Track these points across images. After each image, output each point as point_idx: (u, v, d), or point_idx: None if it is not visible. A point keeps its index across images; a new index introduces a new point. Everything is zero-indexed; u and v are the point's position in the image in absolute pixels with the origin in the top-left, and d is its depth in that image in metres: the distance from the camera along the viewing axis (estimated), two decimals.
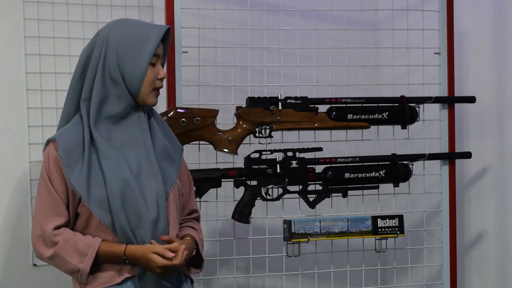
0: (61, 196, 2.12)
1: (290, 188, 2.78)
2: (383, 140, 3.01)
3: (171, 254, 2.08)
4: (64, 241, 2.09)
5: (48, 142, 2.16)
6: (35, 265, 2.94)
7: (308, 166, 2.78)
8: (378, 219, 2.84)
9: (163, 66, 2.22)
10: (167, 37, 2.21)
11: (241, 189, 2.74)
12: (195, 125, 2.65)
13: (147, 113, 2.22)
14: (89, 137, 2.13)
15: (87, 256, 2.09)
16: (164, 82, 2.73)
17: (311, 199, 2.82)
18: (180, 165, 2.27)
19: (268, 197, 2.76)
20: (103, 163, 2.10)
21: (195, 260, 2.28)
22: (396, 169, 2.87)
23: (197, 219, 2.37)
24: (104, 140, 2.12)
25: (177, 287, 2.18)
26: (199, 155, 2.78)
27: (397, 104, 2.90)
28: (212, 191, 2.75)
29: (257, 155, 2.75)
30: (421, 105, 2.94)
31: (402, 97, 2.91)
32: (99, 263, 2.12)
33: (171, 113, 2.64)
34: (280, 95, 2.77)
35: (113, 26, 2.20)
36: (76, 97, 2.20)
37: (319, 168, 2.84)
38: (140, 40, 2.14)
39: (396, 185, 2.90)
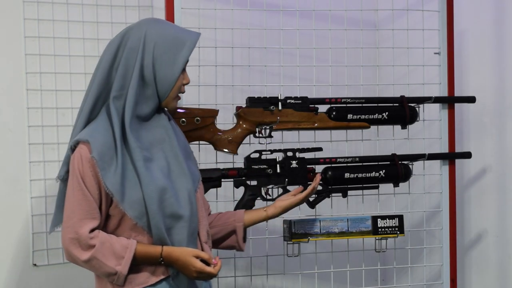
0: (95, 198, 2.08)
1: (290, 188, 2.78)
2: (383, 140, 3.01)
3: (214, 261, 2.11)
4: (101, 244, 2.06)
5: (77, 142, 2.11)
6: (35, 265, 2.94)
7: (308, 166, 2.78)
8: (378, 219, 2.84)
9: None
10: None
11: (241, 189, 2.74)
12: (195, 125, 2.65)
13: (167, 114, 2.24)
14: (120, 137, 2.10)
15: (124, 259, 2.07)
16: None
17: (311, 199, 2.81)
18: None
19: (268, 197, 2.76)
20: (138, 165, 2.08)
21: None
22: (396, 169, 2.87)
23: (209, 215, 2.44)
24: (136, 141, 2.11)
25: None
26: (199, 155, 2.78)
27: (397, 104, 2.90)
28: (212, 191, 2.75)
29: (257, 155, 2.75)
30: (421, 105, 2.94)
31: (402, 97, 2.91)
32: (134, 264, 2.10)
33: None
34: (280, 95, 2.77)
35: (150, 25, 2.16)
36: (101, 94, 2.15)
37: (319, 168, 2.84)
38: (176, 44, 2.14)
39: (396, 185, 2.90)
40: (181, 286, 2.14)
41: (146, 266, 2.12)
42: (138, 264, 2.11)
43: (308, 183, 2.77)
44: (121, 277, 2.08)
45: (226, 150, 2.69)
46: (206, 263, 2.14)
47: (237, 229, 2.43)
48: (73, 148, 2.12)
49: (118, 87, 2.13)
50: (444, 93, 2.98)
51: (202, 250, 2.21)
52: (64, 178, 2.16)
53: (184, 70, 2.18)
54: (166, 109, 2.23)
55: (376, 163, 2.88)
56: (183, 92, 2.22)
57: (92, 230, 2.08)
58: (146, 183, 2.08)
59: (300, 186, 2.58)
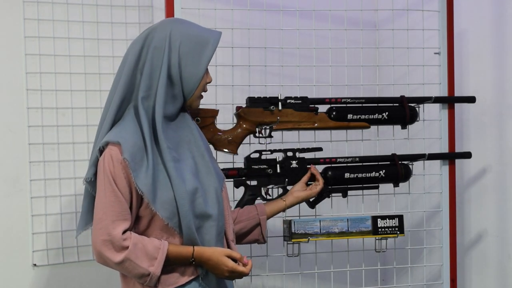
0: (127, 200, 2.08)
1: (290, 188, 2.78)
2: (383, 140, 3.01)
3: (245, 261, 2.12)
4: (133, 245, 2.06)
5: (107, 143, 2.10)
6: (35, 265, 2.94)
7: (308, 166, 2.78)
8: (378, 219, 2.84)
9: None
10: None
11: (241, 189, 2.74)
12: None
13: (190, 114, 2.26)
14: (150, 138, 2.10)
15: (157, 260, 2.07)
16: None
17: (311, 199, 2.81)
18: None
19: (268, 197, 2.76)
20: (168, 165, 2.09)
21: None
22: (396, 169, 2.87)
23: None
24: (166, 141, 2.12)
25: None
26: None
27: (397, 104, 2.90)
28: None
29: (257, 155, 2.75)
30: (421, 105, 2.94)
31: (402, 97, 2.91)
32: (166, 265, 2.11)
33: None
34: (280, 95, 2.77)
35: (174, 25, 2.18)
36: (126, 95, 2.15)
37: (319, 168, 2.83)
38: (201, 43, 2.15)
39: (396, 185, 2.90)
40: (211, 286, 2.16)
41: (176, 267, 2.13)
42: (170, 264, 2.11)
43: (309, 183, 2.78)
44: (154, 278, 2.08)
45: (226, 150, 2.69)
46: (236, 262, 2.15)
47: (261, 222, 2.51)
48: (101, 150, 2.11)
49: (146, 87, 2.14)
50: (444, 93, 2.98)
51: (230, 248, 2.22)
52: (91, 180, 2.15)
53: (207, 69, 2.20)
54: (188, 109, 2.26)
55: (376, 163, 2.88)
56: (206, 91, 2.24)
57: (124, 232, 2.08)
58: (177, 184, 2.08)
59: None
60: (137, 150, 2.07)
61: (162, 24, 2.19)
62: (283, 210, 2.60)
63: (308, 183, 2.75)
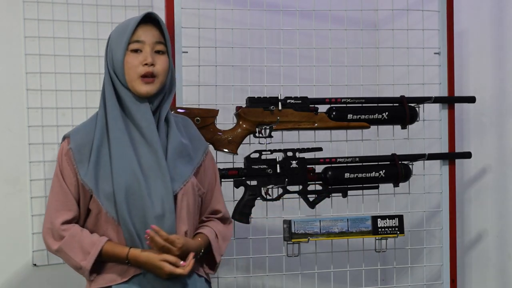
0: (72, 191, 2.15)
1: (290, 188, 2.78)
2: (383, 140, 3.01)
3: (182, 263, 2.10)
4: (70, 237, 2.12)
5: (63, 138, 2.20)
6: (35, 265, 2.94)
7: (308, 166, 2.78)
8: (378, 219, 2.84)
9: (168, 56, 2.20)
10: (158, 24, 2.19)
11: (241, 189, 2.74)
12: (195, 125, 2.65)
13: (160, 110, 2.20)
14: (102, 130, 2.15)
15: (90, 254, 2.11)
16: None
17: (311, 199, 2.81)
18: (201, 164, 2.27)
19: (268, 197, 2.76)
20: (113, 157, 2.12)
21: (210, 260, 2.27)
22: (396, 169, 2.87)
23: (222, 219, 2.35)
24: (117, 133, 2.14)
25: (185, 284, 2.18)
26: None
27: (397, 104, 2.90)
28: None
29: (257, 155, 2.75)
30: (421, 105, 2.94)
31: (402, 97, 2.91)
32: (101, 262, 2.13)
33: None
34: (280, 95, 2.77)
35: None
36: None
37: (319, 168, 2.84)
38: (122, 31, 2.17)
39: (396, 185, 2.90)
40: (153, 283, 2.14)
41: (118, 264, 2.14)
42: (106, 261, 2.14)
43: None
44: (86, 272, 2.12)
45: (226, 150, 2.69)
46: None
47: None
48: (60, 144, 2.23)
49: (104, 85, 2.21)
50: (444, 93, 2.98)
51: None
52: None
53: (138, 50, 2.15)
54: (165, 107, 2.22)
55: (376, 163, 2.88)
56: (146, 74, 2.14)
57: (66, 222, 2.13)
58: (117, 174, 2.11)
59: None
60: (87, 143, 2.14)
61: None
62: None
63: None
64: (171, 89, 2.24)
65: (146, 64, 2.14)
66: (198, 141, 2.30)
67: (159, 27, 2.19)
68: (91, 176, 2.12)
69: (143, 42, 2.16)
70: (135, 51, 2.15)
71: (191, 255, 2.14)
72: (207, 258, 2.27)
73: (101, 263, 2.14)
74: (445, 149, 2.99)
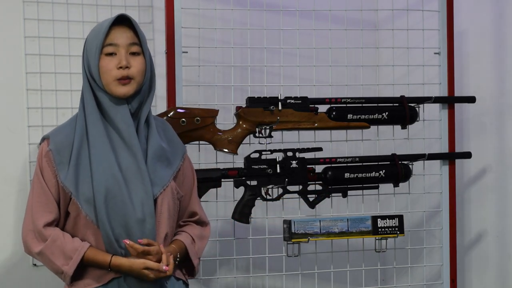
0: (53, 192, 2.13)
1: (290, 188, 2.78)
2: (383, 140, 3.01)
3: (165, 268, 2.09)
4: (51, 241, 2.10)
5: (43, 139, 2.18)
6: (35, 265, 2.94)
7: (308, 166, 2.78)
8: (378, 219, 2.84)
9: (144, 56, 2.17)
10: (132, 25, 2.17)
11: (241, 189, 2.74)
12: (195, 125, 2.65)
13: (140, 113, 2.18)
14: (81, 133, 2.13)
15: (72, 260, 2.09)
16: (164, 82, 2.74)
17: (311, 199, 2.81)
18: (179, 168, 2.25)
19: (268, 197, 2.76)
20: (93, 159, 2.11)
21: (188, 265, 2.27)
22: (396, 169, 2.87)
23: (198, 222, 2.34)
24: (97, 137, 2.12)
25: (163, 286, 2.17)
26: (199, 155, 2.78)
27: (397, 104, 2.90)
28: (212, 191, 2.75)
29: (257, 155, 2.75)
30: (421, 105, 2.94)
31: (402, 97, 2.91)
32: (82, 267, 2.12)
33: (171, 113, 2.64)
34: (280, 95, 2.77)
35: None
36: None
37: (319, 168, 2.83)
38: (96, 34, 2.15)
39: (396, 185, 2.90)
40: (132, 286, 2.13)
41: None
42: (87, 266, 2.12)
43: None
44: (67, 277, 2.10)
45: (226, 150, 2.69)
46: None
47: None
48: (39, 145, 2.21)
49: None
50: (444, 93, 2.98)
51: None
52: None
53: (112, 54, 2.14)
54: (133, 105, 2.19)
55: (376, 163, 2.88)
56: (121, 77, 2.12)
57: (48, 224, 2.12)
58: (97, 177, 2.10)
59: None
60: (67, 145, 2.13)
61: None
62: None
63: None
64: (151, 90, 2.21)
65: (121, 67, 2.13)
66: (176, 146, 2.28)
67: (134, 28, 2.17)
68: (71, 179, 2.10)
69: (117, 45, 2.14)
70: (110, 54, 2.14)
71: (171, 257, 2.12)
72: (184, 263, 2.26)
73: (81, 268, 2.12)
74: (445, 149, 2.99)
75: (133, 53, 2.15)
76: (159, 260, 2.10)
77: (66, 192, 2.12)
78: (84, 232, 2.13)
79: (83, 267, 2.12)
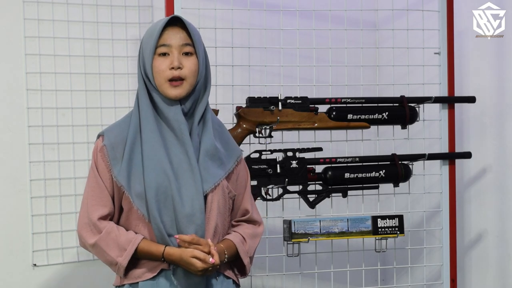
0: (107, 186, 2.17)
1: (290, 188, 2.78)
2: (383, 140, 3.01)
3: (211, 260, 2.10)
4: (106, 233, 2.13)
5: (98, 136, 2.21)
6: (35, 265, 2.94)
7: (308, 166, 2.78)
8: (378, 219, 2.84)
9: (197, 57, 2.18)
10: (186, 26, 2.18)
11: None
12: None
13: (194, 111, 2.20)
14: (135, 130, 2.17)
15: (126, 251, 2.12)
16: None
17: (311, 199, 2.82)
18: (233, 170, 2.26)
19: (268, 197, 2.76)
20: (145, 156, 2.14)
21: (239, 264, 2.27)
22: (396, 169, 2.87)
23: (250, 221, 2.32)
24: (149, 133, 2.15)
25: (211, 283, 2.19)
26: None
27: (397, 104, 2.91)
28: None
29: (257, 155, 2.75)
30: (421, 105, 2.94)
31: (402, 97, 2.91)
32: (136, 259, 2.14)
33: None
34: (280, 95, 2.77)
35: None
36: None
37: (319, 168, 2.84)
38: (150, 35, 2.18)
39: (396, 185, 2.91)
40: (180, 279, 2.15)
41: (149, 261, 2.16)
42: (140, 258, 2.15)
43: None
44: (121, 269, 2.13)
45: None
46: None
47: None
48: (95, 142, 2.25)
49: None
50: (444, 93, 2.98)
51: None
52: None
53: (166, 54, 2.16)
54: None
55: (376, 163, 2.88)
56: (173, 78, 2.15)
57: (102, 217, 2.15)
58: (148, 172, 2.12)
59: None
60: (120, 140, 2.16)
61: None
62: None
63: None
64: (206, 89, 2.23)
65: (173, 68, 2.16)
66: (231, 148, 2.29)
67: (187, 29, 2.19)
68: (123, 174, 2.14)
69: (170, 46, 2.16)
70: (163, 54, 2.17)
71: (214, 249, 2.13)
72: (236, 262, 2.27)
73: (133, 260, 2.15)
74: (445, 149, 2.99)
75: (186, 54, 2.18)
76: (208, 254, 2.12)
77: (120, 187, 2.15)
78: (136, 226, 2.16)
79: (135, 260, 2.15)
